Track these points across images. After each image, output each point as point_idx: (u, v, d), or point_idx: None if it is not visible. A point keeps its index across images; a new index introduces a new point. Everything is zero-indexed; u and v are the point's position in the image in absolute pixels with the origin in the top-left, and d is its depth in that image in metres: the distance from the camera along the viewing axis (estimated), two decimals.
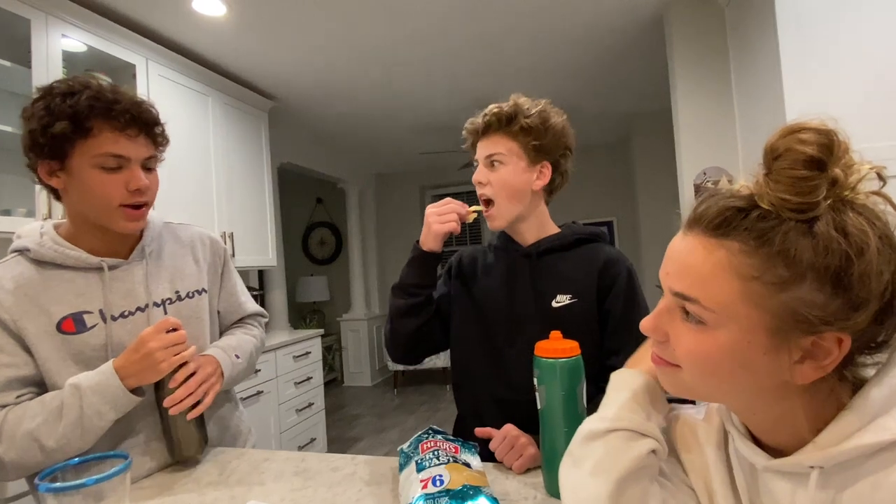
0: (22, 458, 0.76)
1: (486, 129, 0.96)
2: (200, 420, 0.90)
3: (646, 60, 3.07)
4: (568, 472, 0.55)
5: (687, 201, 2.36)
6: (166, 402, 0.85)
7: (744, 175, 1.74)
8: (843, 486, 0.40)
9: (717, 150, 2.32)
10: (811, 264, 0.38)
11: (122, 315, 0.89)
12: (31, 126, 0.80)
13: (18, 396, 0.80)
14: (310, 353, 3.16)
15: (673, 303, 0.46)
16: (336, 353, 5.51)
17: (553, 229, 1.03)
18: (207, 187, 2.61)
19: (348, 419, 4.18)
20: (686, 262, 0.44)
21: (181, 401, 0.85)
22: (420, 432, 0.84)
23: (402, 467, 0.77)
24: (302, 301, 5.43)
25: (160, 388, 0.87)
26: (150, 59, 2.30)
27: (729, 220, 0.42)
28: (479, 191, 0.99)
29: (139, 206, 0.87)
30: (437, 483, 0.66)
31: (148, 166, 0.88)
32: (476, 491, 0.65)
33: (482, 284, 1.04)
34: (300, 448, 3.00)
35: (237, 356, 1.02)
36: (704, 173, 2.31)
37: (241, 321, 1.16)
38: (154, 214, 0.99)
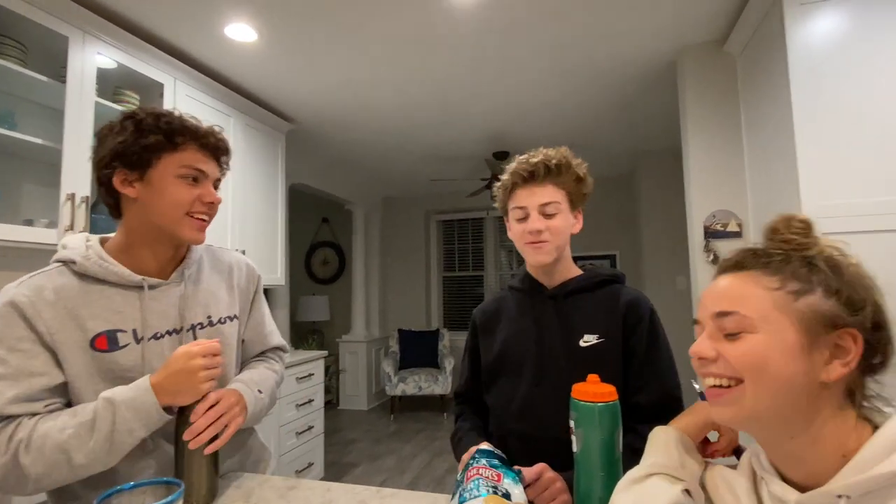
0: (48, 472, 0.75)
1: (534, 177, 0.98)
2: (214, 465, 0.86)
3: (656, 100, 3.16)
4: None
5: (697, 241, 2.40)
6: (186, 435, 0.81)
7: (753, 218, 1.81)
8: None
9: (727, 194, 2.37)
10: (817, 280, 0.51)
11: (154, 336, 0.89)
12: (121, 138, 0.85)
13: (47, 405, 0.79)
14: (313, 374, 3.14)
15: (714, 326, 0.55)
16: (333, 375, 5.46)
17: (576, 271, 1.06)
18: (223, 205, 2.64)
19: (344, 444, 4.12)
20: (721, 291, 0.55)
21: (200, 433, 0.82)
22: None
23: (452, 496, 0.77)
24: (302, 320, 5.41)
25: (181, 422, 0.84)
26: (178, 79, 2.36)
27: (748, 258, 0.55)
28: (534, 238, 0.99)
29: (204, 219, 0.93)
30: None
31: (215, 187, 0.96)
32: None
33: (508, 327, 1.06)
34: (297, 473, 2.95)
35: (260, 391, 0.99)
36: (714, 216, 2.36)
37: (262, 354, 1.14)
38: None
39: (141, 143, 0.85)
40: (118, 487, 0.58)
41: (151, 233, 0.90)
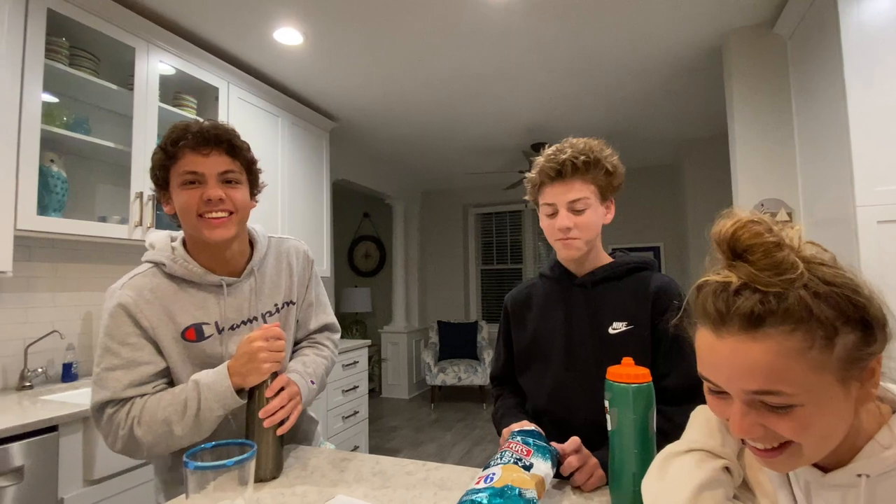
0: (156, 442, 0.89)
1: (562, 175, 0.99)
2: (281, 443, 0.95)
3: (701, 88, 3.07)
4: (650, 483, 0.61)
5: None
6: (262, 413, 0.90)
7: (804, 206, 1.70)
8: (887, 493, 0.46)
9: (776, 182, 2.29)
10: (832, 317, 0.44)
11: (231, 327, 1.00)
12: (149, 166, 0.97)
13: (154, 387, 0.94)
14: (357, 362, 3.27)
15: (749, 400, 0.48)
16: (375, 365, 5.63)
17: (606, 259, 1.07)
18: (273, 200, 2.79)
19: (386, 430, 4.26)
20: (748, 366, 0.46)
21: (275, 413, 0.91)
22: None
23: None
24: (345, 311, 5.60)
25: (253, 402, 0.92)
26: (231, 83, 2.51)
27: (759, 313, 0.45)
28: (564, 234, 1.00)
29: (217, 217, 0.93)
30: (488, 480, 0.71)
31: (227, 179, 0.95)
32: (512, 490, 0.69)
33: (539, 314, 1.10)
34: None
35: (312, 381, 1.07)
36: (762, 204, 2.29)
37: (313, 336, 1.21)
38: (261, 230, 1.10)
39: (154, 164, 0.95)
40: (202, 446, 0.67)
41: (196, 241, 0.98)
